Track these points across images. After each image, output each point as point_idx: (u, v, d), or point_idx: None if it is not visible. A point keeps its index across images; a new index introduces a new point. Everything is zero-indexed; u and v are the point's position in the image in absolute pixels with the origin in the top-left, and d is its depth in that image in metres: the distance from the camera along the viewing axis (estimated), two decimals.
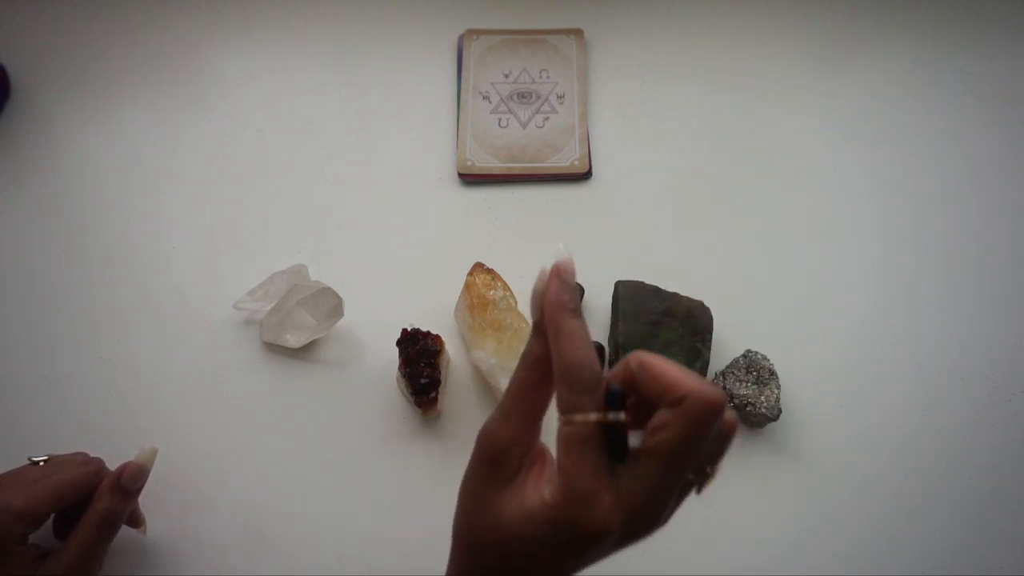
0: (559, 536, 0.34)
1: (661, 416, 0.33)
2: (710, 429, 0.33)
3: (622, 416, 0.33)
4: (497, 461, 0.36)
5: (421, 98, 0.73)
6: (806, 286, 0.64)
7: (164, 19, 0.77)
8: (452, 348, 0.60)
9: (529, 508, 0.34)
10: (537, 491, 0.35)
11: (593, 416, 0.33)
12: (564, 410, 0.34)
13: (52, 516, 0.50)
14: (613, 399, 0.34)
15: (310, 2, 0.78)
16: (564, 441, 0.34)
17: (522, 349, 0.57)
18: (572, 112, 0.71)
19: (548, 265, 0.37)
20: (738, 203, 0.67)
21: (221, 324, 0.61)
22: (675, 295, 0.60)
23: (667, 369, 0.33)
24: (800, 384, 0.59)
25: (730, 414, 0.35)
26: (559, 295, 0.36)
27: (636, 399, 0.35)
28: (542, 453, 0.38)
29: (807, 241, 0.66)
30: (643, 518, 0.35)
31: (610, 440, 0.33)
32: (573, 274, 0.37)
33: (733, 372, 0.58)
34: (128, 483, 0.48)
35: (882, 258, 0.65)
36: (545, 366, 0.36)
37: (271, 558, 0.53)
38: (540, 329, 0.36)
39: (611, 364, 0.59)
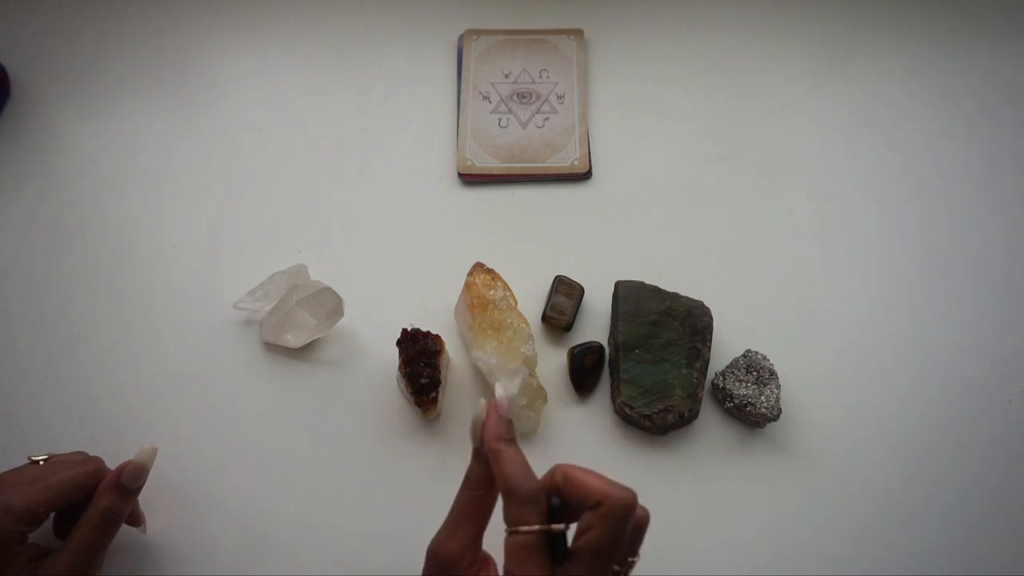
0: None
1: (586, 519, 0.38)
2: (627, 524, 0.38)
3: (563, 526, 0.39)
4: (448, 572, 0.41)
5: (421, 98, 0.73)
6: (806, 286, 0.64)
7: (164, 19, 0.77)
8: (452, 348, 0.60)
9: None
10: None
11: (537, 527, 0.39)
12: (510, 522, 0.39)
13: (52, 515, 0.50)
14: (555, 513, 0.40)
15: (310, 2, 0.78)
16: (511, 549, 0.39)
17: (522, 349, 0.57)
18: (572, 112, 0.71)
19: (483, 401, 0.43)
20: (738, 203, 0.68)
21: (221, 324, 0.61)
22: (675, 295, 0.60)
23: (586, 478, 0.39)
24: (800, 384, 0.59)
25: (641, 509, 0.40)
26: (496, 428, 0.42)
27: (563, 503, 0.41)
28: (486, 560, 0.43)
29: (807, 241, 0.66)
30: None
31: (552, 546, 0.39)
32: (509, 411, 0.43)
33: (733, 372, 0.58)
34: (128, 482, 0.48)
35: (882, 258, 0.65)
36: (486, 485, 0.42)
37: (271, 557, 0.53)
38: (480, 454, 0.42)
39: (611, 364, 0.59)
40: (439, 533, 0.42)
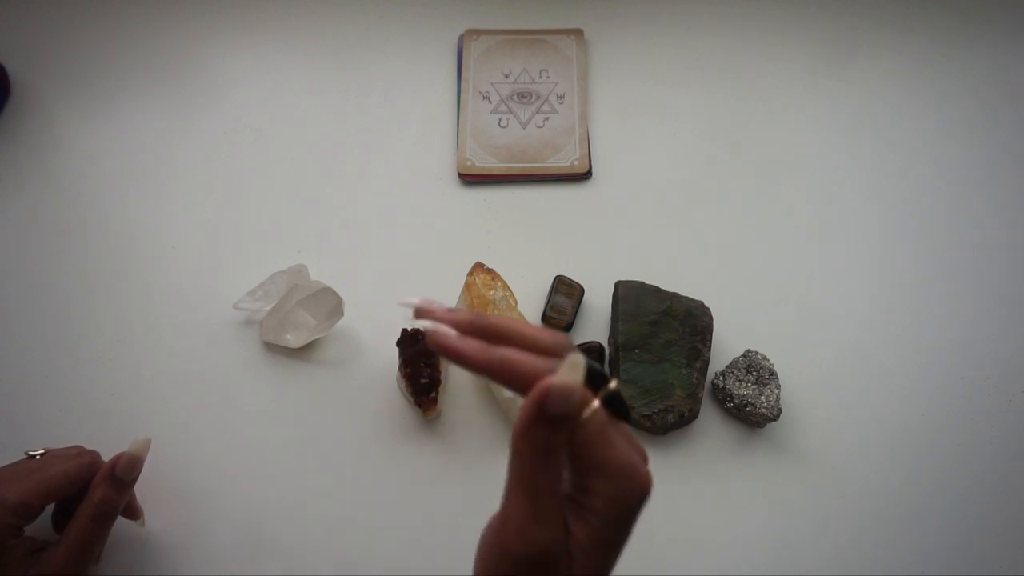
0: (631, 513, 0.34)
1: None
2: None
3: (614, 384, 0.34)
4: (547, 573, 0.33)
5: (421, 98, 0.73)
6: (806, 286, 0.64)
7: (164, 19, 0.77)
8: None
9: (593, 539, 0.33)
10: (584, 521, 0.33)
11: (596, 403, 0.33)
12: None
13: (52, 510, 0.50)
14: (597, 377, 0.34)
15: (310, 2, 0.78)
16: (589, 438, 0.33)
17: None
18: (572, 112, 0.71)
19: (412, 315, 0.37)
20: (738, 203, 0.68)
21: (221, 324, 0.61)
22: (675, 295, 0.60)
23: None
24: (800, 384, 0.59)
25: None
26: (472, 345, 0.35)
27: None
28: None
29: (807, 241, 0.66)
30: (644, 457, 0.36)
31: (615, 408, 0.34)
32: (438, 314, 0.36)
33: (733, 372, 0.58)
34: (122, 473, 0.48)
35: (882, 258, 0.65)
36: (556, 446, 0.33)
37: (271, 557, 0.53)
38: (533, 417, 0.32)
39: (611, 364, 0.59)
40: (510, 520, 0.33)
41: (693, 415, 0.56)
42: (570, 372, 0.32)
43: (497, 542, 0.33)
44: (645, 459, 0.35)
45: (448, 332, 0.35)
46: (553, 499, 0.33)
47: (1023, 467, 0.57)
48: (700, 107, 0.72)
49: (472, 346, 0.35)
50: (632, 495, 0.33)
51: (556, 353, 0.35)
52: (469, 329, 0.36)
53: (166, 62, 0.74)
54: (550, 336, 0.36)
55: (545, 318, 0.60)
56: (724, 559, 0.54)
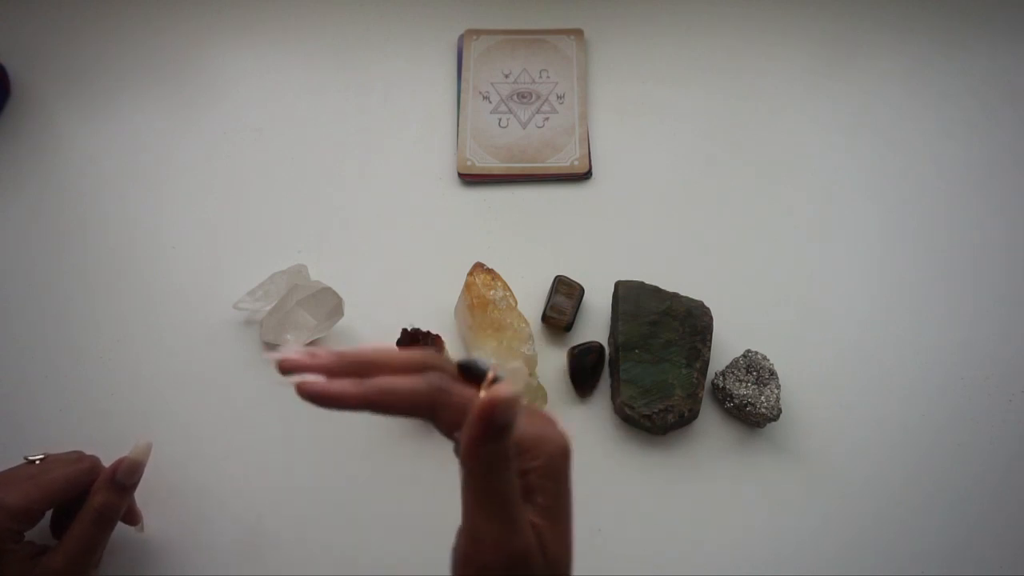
0: (563, 472, 0.35)
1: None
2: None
3: (490, 374, 0.34)
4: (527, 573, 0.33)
5: (421, 98, 0.73)
6: (806, 286, 0.64)
7: (164, 19, 0.77)
8: (452, 348, 0.60)
9: (547, 516, 0.35)
10: (534, 503, 0.34)
11: (483, 392, 0.34)
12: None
13: (51, 515, 0.50)
14: (474, 370, 0.35)
15: (310, 2, 0.78)
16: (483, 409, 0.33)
17: (522, 349, 0.57)
18: (572, 112, 0.71)
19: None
20: (738, 203, 0.67)
21: (221, 324, 0.61)
22: (675, 295, 0.60)
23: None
24: (800, 384, 0.59)
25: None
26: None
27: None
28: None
29: (807, 241, 0.66)
30: (551, 420, 0.37)
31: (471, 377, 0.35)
32: (302, 362, 0.35)
33: (733, 372, 0.58)
34: (123, 478, 0.48)
35: (882, 258, 0.65)
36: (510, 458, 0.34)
37: (270, 558, 0.53)
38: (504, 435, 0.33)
39: (611, 364, 0.59)
40: (484, 539, 0.33)
41: (693, 415, 0.56)
42: (515, 381, 0.33)
43: (474, 561, 0.34)
44: (553, 421, 0.36)
45: (315, 380, 0.33)
46: (518, 506, 0.33)
47: (1023, 467, 0.57)
48: (700, 107, 0.72)
49: (344, 385, 0.33)
50: (557, 454, 0.35)
51: (429, 368, 0.34)
52: (337, 367, 0.34)
53: (166, 62, 0.74)
54: (419, 354, 0.35)
55: (545, 318, 0.60)
56: (724, 559, 0.54)
